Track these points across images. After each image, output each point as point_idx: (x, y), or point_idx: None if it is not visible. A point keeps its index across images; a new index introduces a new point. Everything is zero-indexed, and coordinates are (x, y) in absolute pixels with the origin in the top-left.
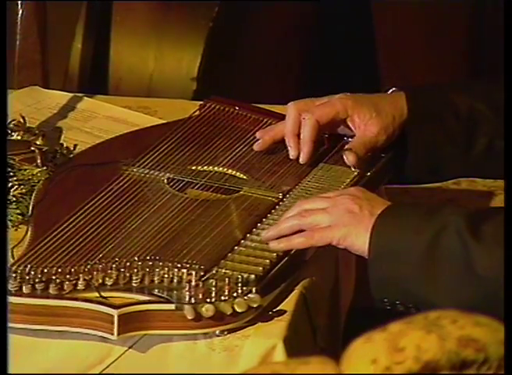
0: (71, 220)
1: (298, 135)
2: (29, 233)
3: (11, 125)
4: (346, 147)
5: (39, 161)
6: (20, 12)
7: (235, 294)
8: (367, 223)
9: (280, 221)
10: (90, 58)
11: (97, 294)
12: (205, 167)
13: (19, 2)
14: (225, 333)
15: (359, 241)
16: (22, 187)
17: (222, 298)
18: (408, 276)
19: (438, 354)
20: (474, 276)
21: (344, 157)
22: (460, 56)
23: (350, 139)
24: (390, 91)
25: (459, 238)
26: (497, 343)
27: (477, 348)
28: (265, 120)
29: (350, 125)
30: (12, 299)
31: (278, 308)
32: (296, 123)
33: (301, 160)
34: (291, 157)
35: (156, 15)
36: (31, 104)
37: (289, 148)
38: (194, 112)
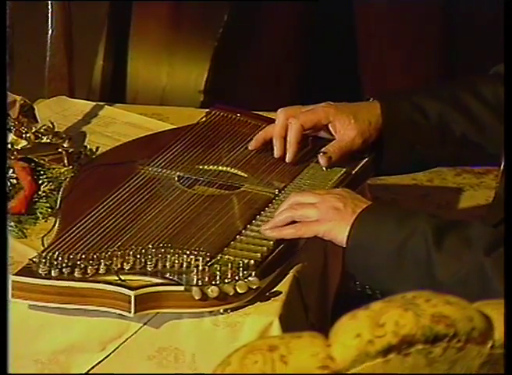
0: (93, 213)
1: (285, 138)
2: (57, 224)
3: (41, 130)
4: (321, 150)
5: (66, 161)
6: (50, 31)
7: (237, 278)
8: (349, 219)
9: (276, 214)
10: (111, 74)
11: (116, 278)
12: (211, 166)
13: (49, 23)
14: (228, 311)
15: (341, 234)
16: (51, 183)
17: (226, 280)
18: (377, 268)
19: (414, 329)
20: (432, 280)
21: (319, 159)
22: (433, 62)
23: (324, 148)
24: (369, 100)
25: (425, 245)
26: (465, 319)
27: (447, 323)
28: (263, 125)
29: (332, 130)
30: (42, 282)
31: (274, 290)
32: (283, 126)
33: (287, 159)
34: (276, 156)
35: (168, 36)
36: (59, 111)
37: (274, 148)
38: (201, 118)
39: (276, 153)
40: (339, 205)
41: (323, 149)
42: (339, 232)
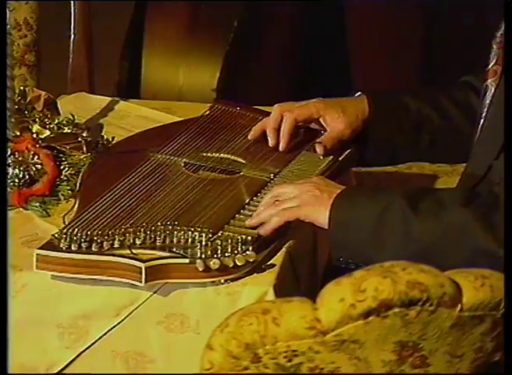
0: (109, 194)
1: (278, 129)
2: (76, 204)
3: (63, 121)
4: (317, 140)
5: (84, 149)
6: (72, 36)
7: (236, 252)
8: (326, 203)
9: (259, 210)
10: (132, 74)
11: (129, 251)
12: (213, 154)
13: (72, 29)
14: (228, 281)
15: (320, 217)
16: (71, 169)
17: (226, 254)
18: (359, 242)
19: (391, 294)
20: (410, 240)
21: (316, 148)
22: (415, 63)
23: (319, 138)
24: (356, 94)
25: (401, 213)
26: (437, 286)
27: (421, 289)
28: (260, 118)
29: (322, 123)
30: (63, 255)
31: (269, 263)
32: (277, 120)
33: (280, 148)
34: (270, 145)
35: (184, 41)
36: (79, 106)
37: (269, 138)
38: (205, 112)
39: (270, 143)
40: (315, 192)
41: (318, 140)
42: (318, 215)
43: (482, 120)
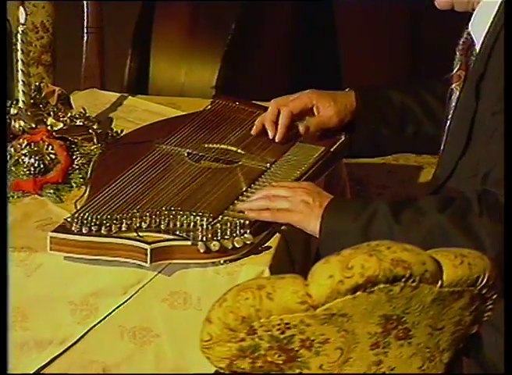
0: (117, 182)
1: (276, 122)
2: (87, 191)
3: (75, 115)
4: (302, 122)
5: (95, 140)
6: (85, 37)
7: (234, 234)
8: (317, 212)
9: (253, 198)
10: (138, 73)
11: (135, 234)
12: (214, 145)
13: (85, 30)
14: (228, 262)
15: (311, 225)
16: (83, 158)
17: (225, 237)
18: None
19: (377, 271)
20: None
21: (299, 126)
22: (401, 61)
23: (305, 120)
24: (346, 89)
25: (386, 222)
26: (419, 263)
27: (405, 266)
28: (258, 112)
29: (315, 111)
30: (74, 237)
31: (265, 245)
32: (275, 113)
33: (277, 139)
34: (270, 137)
35: (186, 42)
36: (90, 101)
37: (268, 130)
38: (207, 106)
39: (270, 135)
40: (308, 199)
41: (304, 121)
42: (308, 223)
43: (448, 122)
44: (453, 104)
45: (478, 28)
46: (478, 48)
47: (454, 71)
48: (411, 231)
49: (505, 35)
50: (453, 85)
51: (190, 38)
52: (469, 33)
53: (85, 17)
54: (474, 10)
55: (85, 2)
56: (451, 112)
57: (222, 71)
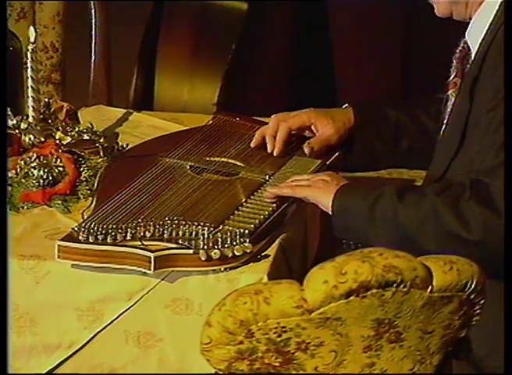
0: (123, 193)
1: (275, 137)
2: (94, 202)
3: (83, 129)
4: (306, 142)
5: (101, 153)
6: (93, 57)
7: (234, 243)
8: (332, 189)
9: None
10: (143, 91)
11: (139, 243)
12: (215, 158)
13: (93, 50)
14: (228, 269)
15: (325, 201)
16: (89, 171)
17: (226, 245)
18: (356, 225)
19: (369, 276)
20: (397, 225)
21: (304, 148)
22: (395, 74)
23: (308, 141)
24: (343, 106)
25: (390, 201)
26: (410, 269)
27: (396, 272)
28: (257, 127)
29: (313, 129)
30: (81, 246)
31: (264, 253)
32: (274, 128)
33: (275, 153)
34: (269, 151)
35: (189, 62)
36: (97, 116)
37: (268, 144)
38: (208, 121)
39: (269, 148)
40: (327, 179)
41: (307, 141)
42: (323, 199)
43: (444, 126)
44: (449, 109)
45: (474, 36)
46: (473, 55)
47: (450, 78)
48: (411, 211)
49: (505, 36)
50: (449, 92)
51: (193, 58)
52: (465, 42)
53: (93, 37)
54: (471, 19)
55: (93, 24)
56: (446, 117)
57: (223, 89)
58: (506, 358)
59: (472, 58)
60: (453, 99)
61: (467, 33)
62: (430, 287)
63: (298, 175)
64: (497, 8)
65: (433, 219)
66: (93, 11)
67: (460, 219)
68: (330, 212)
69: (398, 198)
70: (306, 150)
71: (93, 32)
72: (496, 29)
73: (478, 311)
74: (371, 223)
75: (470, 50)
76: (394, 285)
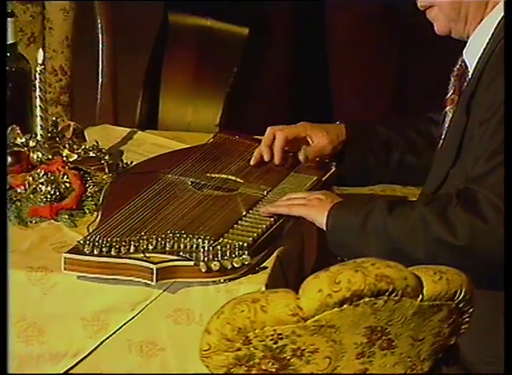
0: (127, 208)
1: (271, 146)
2: (99, 216)
3: (89, 147)
4: (302, 149)
5: (107, 170)
6: (100, 80)
7: (233, 256)
8: (327, 207)
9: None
10: (148, 113)
11: (142, 255)
12: (215, 174)
13: (100, 74)
14: (227, 281)
15: (319, 219)
16: (95, 186)
17: (225, 257)
18: (350, 241)
19: (362, 285)
20: (387, 236)
21: (299, 155)
22: (388, 97)
23: (303, 148)
24: (336, 123)
25: (381, 215)
26: (401, 278)
27: (388, 281)
28: (255, 145)
29: (308, 140)
30: (87, 258)
31: (262, 265)
32: (270, 138)
33: (276, 162)
34: (265, 159)
35: (192, 85)
36: (103, 135)
37: (264, 154)
38: (209, 140)
39: (265, 158)
40: (322, 197)
41: (302, 148)
42: (318, 216)
43: (441, 141)
44: (446, 125)
45: (472, 55)
46: (470, 73)
47: (448, 95)
48: (400, 222)
49: (505, 36)
50: (447, 108)
51: (196, 80)
52: (463, 61)
53: (100, 61)
54: (468, 37)
55: (100, 48)
56: (444, 132)
57: (225, 110)
58: (506, 358)
59: (469, 76)
60: (451, 115)
61: (464, 51)
62: (420, 296)
63: (294, 192)
64: (495, 27)
65: (421, 228)
66: (100, 36)
67: (446, 226)
68: (325, 229)
69: (388, 211)
70: (301, 157)
71: (100, 56)
72: (493, 47)
73: (466, 319)
74: (363, 238)
75: (467, 68)
76: (386, 294)
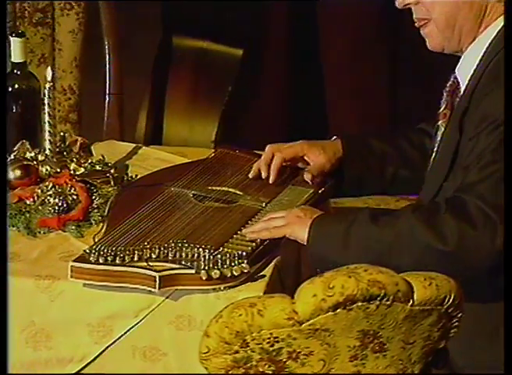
0: (131, 219)
1: (269, 165)
2: (104, 227)
3: (95, 161)
4: (305, 170)
5: (112, 183)
6: (107, 99)
7: (233, 264)
8: (307, 222)
9: (256, 224)
10: (150, 131)
11: (145, 263)
12: (216, 187)
13: (107, 93)
14: (227, 288)
15: (300, 234)
16: (101, 198)
17: (225, 266)
18: (331, 253)
19: (355, 290)
20: (371, 245)
21: (304, 175)
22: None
23: (306, 169)
24: (333, 138)
25: (365, 224)
26: (393, 284)
27: (380, 286)
28: (255, 159)
29: (307, 159)
30: (92, 266)
31: (260, 274)
32: (269, 157)
33: (270, 181)
34: (263, 177)
35: (189, 104)
36: (109, 150)
37: (262, 172)
38: (210, 154)
39: (263, 175)
40: (300, 214)
41: (306, 169)
42: (299, 232)
43: (434, 154)
44: (439, 138)
45: (464, 72)
46: (462, 89)
47: (441, 109)
48: (385, 230)
49: (505, 37)
50: (440, 122)
51: (193, 99)
52: (455, 77)
53: (107, 82)
54: (461, 53)
55: (108, 68)
56: (436, 145)
57: (220, 127)
58: (506, 358)
59: (461, 92)
60: (443, 129)
61: (457, 68)
62: (411, 300)
63: (274, 212)
64: (486, 46)
65: (408, 235)
66: (107, 57)
67: (436, 232)
68: (306, 243)
69: (371, 220)
70: (307, 177)
71: (107, 76)
72: (485, 66)
73: (455, 324)
74: (345, 248)
75: (459, 84)
76: (378, 299)
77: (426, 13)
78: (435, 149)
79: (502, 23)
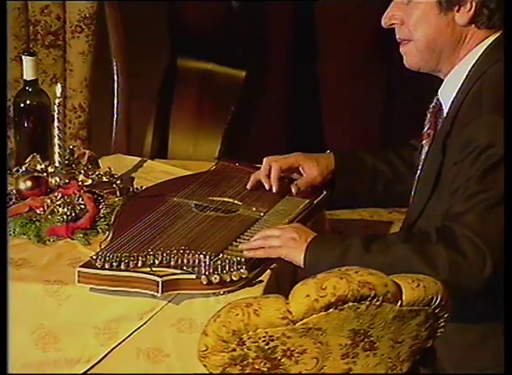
0: (136, 227)
1: (268, 176)
2: (110, 234)
3: (102, 173)
4: (294, 183)
5: (118, 193)
6: (115, 117)
7: (232, 270)
8: (302, 246)
9: (252, 240)
10: (156, 147)
11: (149, 269)
12: (217, 198)
13: (115, 111)
14: (226, 292)
15: (297, 257)
16: (107, 208)
17: (224, 271)
18: None
19: (346, 291)
20: None
21: (292, 188)
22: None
23: (295, 181)
24: (327, 152)
25: (358, 252)
26: (382, 285)
27: (370, 287)
28: (253, 172)
29: (301, 170)
30: (98, 271)
31: (258, 279)
32: (267, 169)
33: (274, 190)
34: (267, 188)
35: (194, 122)
36: (116, 163)
37: (264, 183)
38: (211, 167)
39: (266, 186)
40: (295, 236)
41: (295, 182)
42: (295, 256)
43: (419, 172)
44: (423, 157)
45: (446, 94)
46: (445, 111)
47: (425, 130)
48: (378, 259)
49: (505, 38)
50: (424, 141)
51: (197, 118)
52: (438, 99)
53: (116, 100)
54: (437, 73)
55: (116, 88)
56: (421, 163)
57: (223, 145)
58: (506, 358)
59: (444, 114)
60: (427, 148)
61: (439, 91)
62: (400, 301)
63: (269, 228)
64: (468, 70)
65: (402, 264)
66: (116, 77)
67: (428, 263)
68: (303, 267)
69: (364, 248)
70: (293, 189)
71: (115, 95)
72: (467, 90)
73: (442, 323)
74: None
75: (442, 106)
76: (368, 299)
77: (409, 34)
78: (420, 167)
79: (483, 49)
